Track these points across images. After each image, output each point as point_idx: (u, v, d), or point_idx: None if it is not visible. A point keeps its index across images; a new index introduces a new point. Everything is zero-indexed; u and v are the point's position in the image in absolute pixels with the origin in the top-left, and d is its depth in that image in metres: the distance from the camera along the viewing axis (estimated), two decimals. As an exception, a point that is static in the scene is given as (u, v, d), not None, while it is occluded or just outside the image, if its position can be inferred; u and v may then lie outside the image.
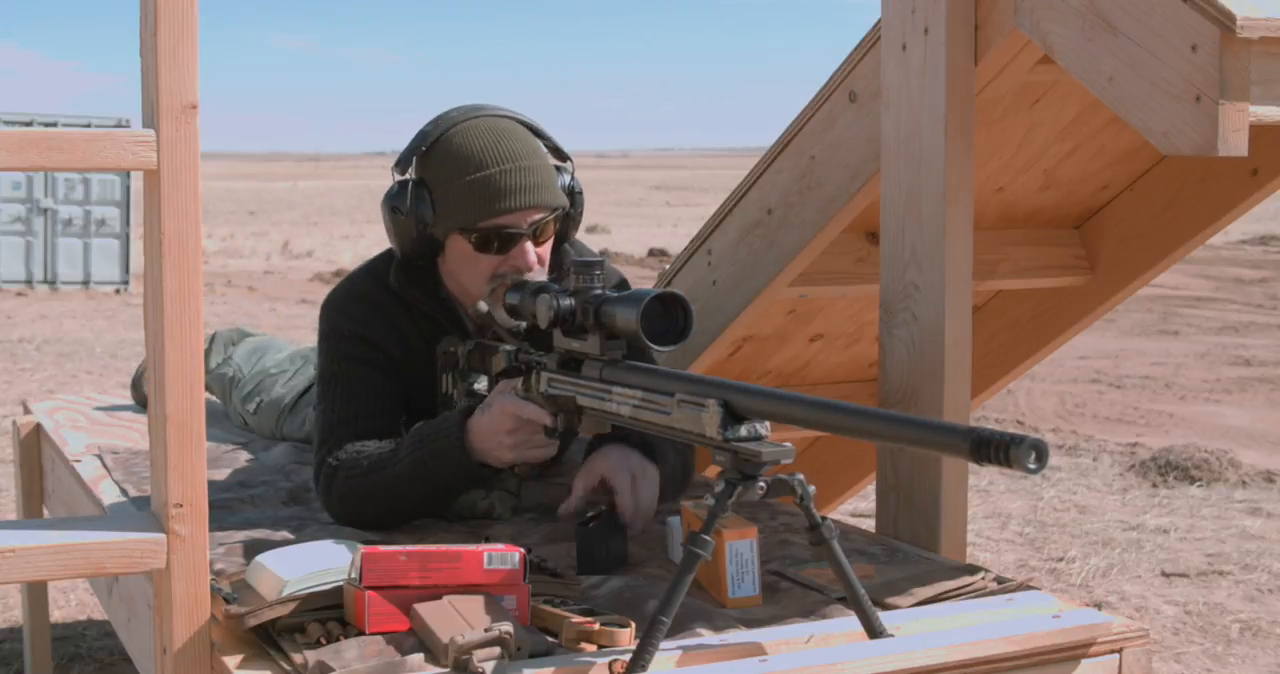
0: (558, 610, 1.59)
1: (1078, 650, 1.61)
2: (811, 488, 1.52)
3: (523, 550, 1.60)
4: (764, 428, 1.50)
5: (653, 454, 2.04)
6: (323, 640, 1.54)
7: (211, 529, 1.62)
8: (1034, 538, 4.74)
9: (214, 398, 3.12)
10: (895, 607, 1.70)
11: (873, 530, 2.18)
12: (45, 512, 3.02)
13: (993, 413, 7.06)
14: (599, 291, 1.76)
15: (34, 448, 3.06)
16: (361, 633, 1.54)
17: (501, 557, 1.58)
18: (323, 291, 13.46)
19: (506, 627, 1.46)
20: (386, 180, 2.13)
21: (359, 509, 2.03)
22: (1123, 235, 2.71)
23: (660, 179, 57.46)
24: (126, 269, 13.49)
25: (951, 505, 2.05)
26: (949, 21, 1.99)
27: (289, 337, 9.58)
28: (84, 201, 13.31)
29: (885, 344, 2.15)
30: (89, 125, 12.50)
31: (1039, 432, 6.68)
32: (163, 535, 1.55)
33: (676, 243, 18.09)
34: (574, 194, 2.13)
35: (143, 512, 1.71)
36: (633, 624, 1.54)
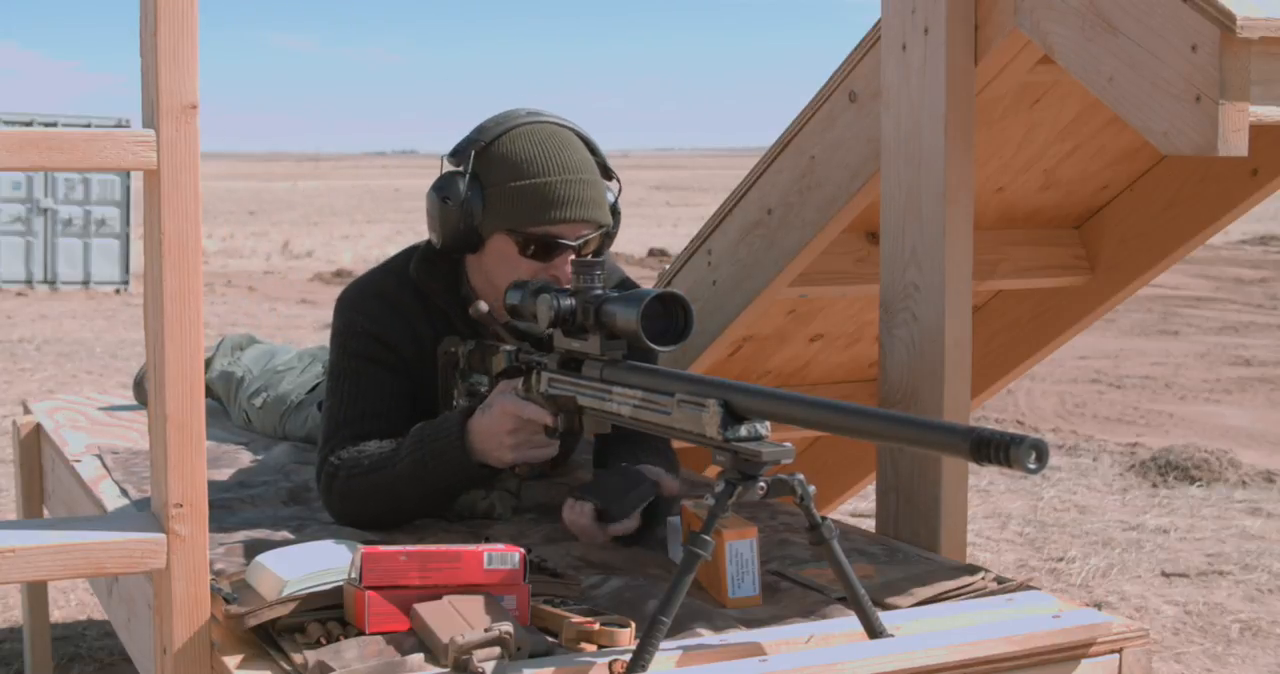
0: (558, 610, 1.59)
1: (1078, 650, 1.61)
2: (811, 488, 1.52)
3: (523, 550, 1.60)
4: (764, 428, 1.50)
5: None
6: (323, 640, 1.54)
7: (211, 529, 1.62)
8: (1034, 538, 4.74)
9: (214, 401, 3.12)
10: (895, 607, 1.70)
11: (873, 530, 2.18)
12: (45, 512, 3.02)
13: (993, 413, 7.06)
14: (599, 291, 1.76)
15: (34, 448, 3.06)
16: (361, 633, 1.54)
17: (501, 557, 1.58)
18: (323, 291, 13.47)
19: (506, 627, 1.46)
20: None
21: (359, 508, 2.03)
22: (1123, 235, 2.71)
23: (660, 179, 57.47)
24: (126, 269, 13.50)
25: (951, 505, 2.05)
26: (949, 21, 1.99)
27: (289, 337, 9.59)
28: (84, 201, 13.32)
29: (885, 344, 2.15)
30: (89, 125, 12.50)
31: (1039, 432, 6.68)
32: (163, 535, 1.55)
33: (676, 243, 18.09)
34: (615, 214, 2.13)
35: (143, 512, 1.71)
36: (633, 624, 1.54)
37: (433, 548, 1.58)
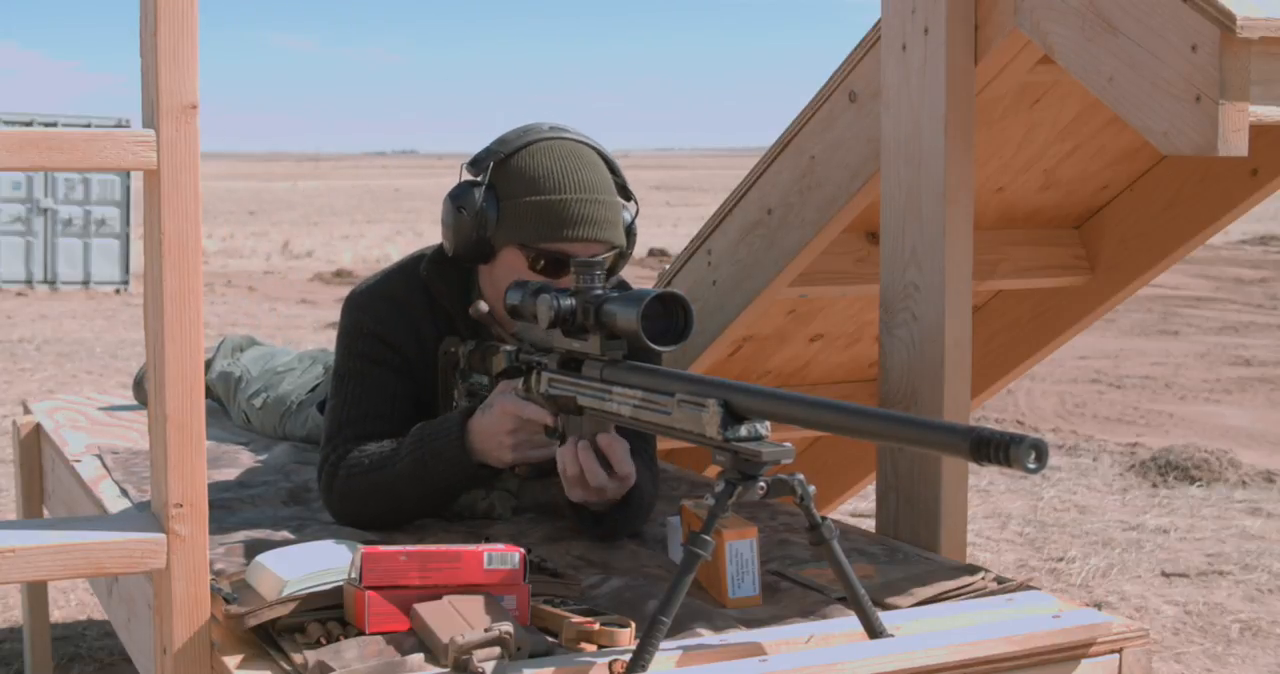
0: (558, 610, 1.59)
1: (1078, 650, 1.61)
2: (811, 488, 1.52)
3: (523, 550, 1.60)
4: (764, 428, 1.50)
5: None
6: (323, 640, 1.54)
7: (211, 529, 1.62)
8: (1034, 538, 4.74)
9: (214, 402, 3.12)
10: (895, 607, 1.70)
11: (873, 530, 2.18)
12: (45, 512, 3.02)
13: (993, 413, 7.06)
14: (599, 291, 1.76)
15: (34, 448, 3.06)
16: (361, 633, 1.54)
17: (501, 557, 1.58)
18: (323, 291, 13.47)
19: (506, 627, 1.46)
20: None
21: (359, 508, 2.03)
22: (1123, 235, 2.71)
23: (660, 179, 57.46)
24: (126, 269, 13.50)
25: (951, 505, 2.05)
26: (949, 21, 1.99)
27: (289, 337, 9.59)
28: (84, 201, 13.32)
29: (885, 344, 2.15)
30: (89, 125, 12.50)
31: (1039, 431, 6.68)
32: (163, 535, 1.55)
33: (676, 243, 18.09)
34: (630, 234, 2.13)
35: (143, 512, 1.71)
36: (633, 624, 1.54)
37: (433, 548, 1.58)
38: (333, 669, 1.45)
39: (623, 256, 2.12)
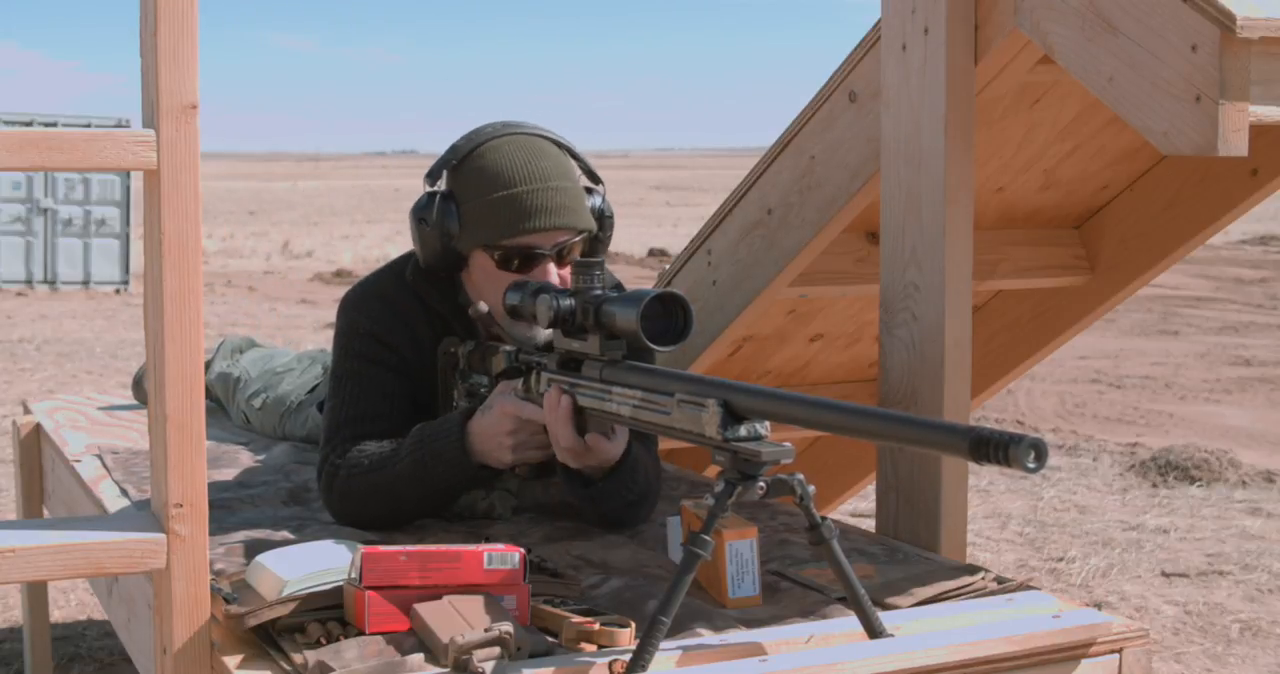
0: (558, 610, 1.59)
1: (1078, 650, 1.61)
2: (811, 488, 1.52)
3: (523, 550, 1.60)
4: (764, 428, 1.50)
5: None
6: (323, 640, 1.54)
7: (211, 529, 1.62)
8: (1034, 538, 4.74)
9: (213, 402, 3.12)
10: (895, 607, 1.70)
11: (873, 530, 2.18)
12: (45, 512, 3.02)
13: (993, 413, 7.06)
14: (599, 292, 1.76)
15: (34, 448, 3.06)
16: (361, 633, 1.54)
17: (501, 557, 1.58)
18: (323, 291, 13.47)
19: (506, 627, 1.46)
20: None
21: (359, 509, 2.03)
22: (1123, 235, 2.71)
23: (660, 179, 57.46)
24: (126, 269, 13.50)
25: (951, 505, 2.05)
26: (949, 21, 1.99)
27: (288, 337, 9.59)
28: (84, 201, 13.32)
29: (885, 344, 2.15)
30: (89, 125, 12.50)
31: (1039, 431, 6.68)
32: (163, 535, 1.55)
33: (676, 243, 18.09)
34: (604, 217, 2.12)
35: (143, 512, 1.71)
36: (633, 624, 1.54)
37: (433, 548, 1.58)
38: (333, 669, 1.45)
39: (598, 240, 2.11)
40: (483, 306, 2.00)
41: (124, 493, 2.34)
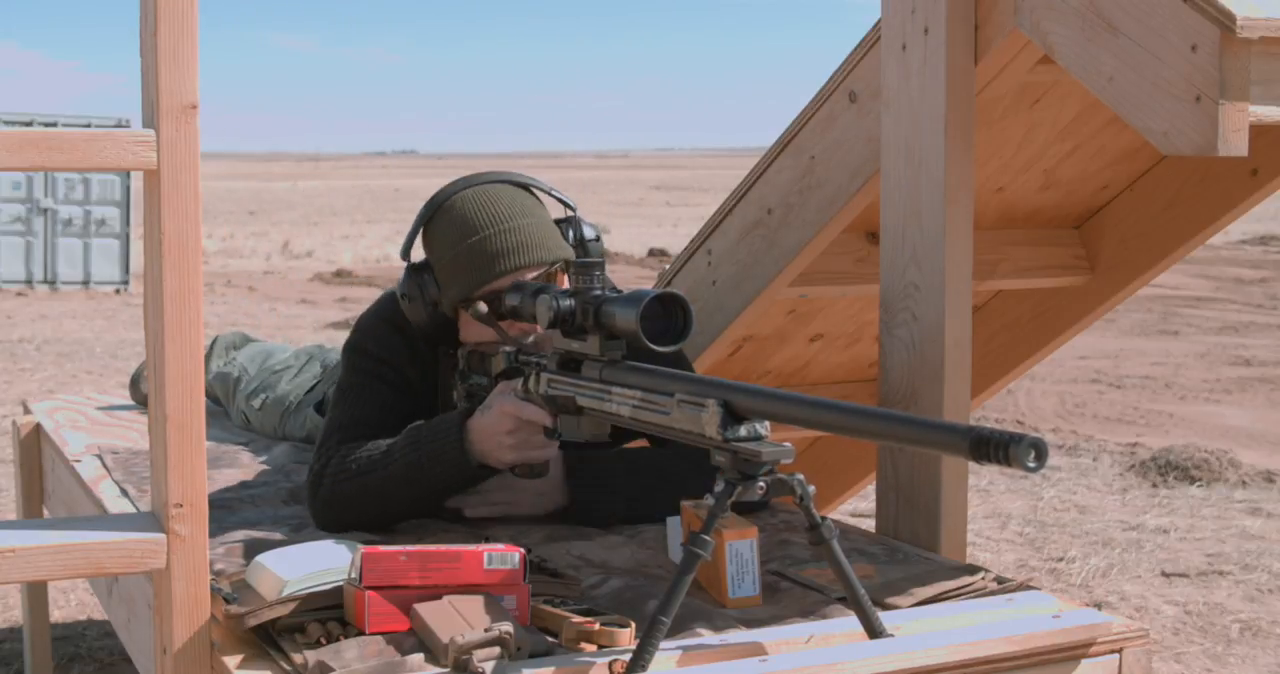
0: (558, 610, 1.59)
1: (1078, 650, 1.61)
2: (811, 488, 1.52)
3: (523, 550, 1.60)
4: (764, 428, 1.49)
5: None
6: (323, 640, 1.54)
7: (211, 529, 1.62)
8: (1034, 538, 4.74)
9: (212, 402, 3.12)
10: (895, 607, 1.70)
11: (873, 530, 2.18)
12: (45, 512, 3.02)
13: (993, 413, 7.06)
14: (599, 292, 1.76)
15: (34, 448, 3.06)
16: (361, 633, 1.54)
17: (501, 557, 1.58)
18: (323, 291, 13.47)
19: (506, 627, 1.46)
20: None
21: (343, 513, 2.01)
22: (1123, 235, 2.71)
23: (660, 179, 57.45)
24: (126, 269, 13.50)
25: (951, 505, 2.05)
26: (949, 21, 1.99)
27: (288, 337, 9.59)
28: (84, 201, 13.32)
29: (885, 344, 2.15)
30: (89, 125, 12.50)
31: (1039, 431, 6.69)
32: (163, 535, 1.55)
33: (676, 243, 18.09)
34: (585, 242, 2.12)
35: (143, 512, 1.71)
36: (633, 624, 1.54)
37: (433, 548, 1.58)
38: (333, 669, 1.45)
39: (582, 262, 2.12)
40: (482, 308, 2.01)
41: (124, 493, 2.34)
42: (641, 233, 22.44)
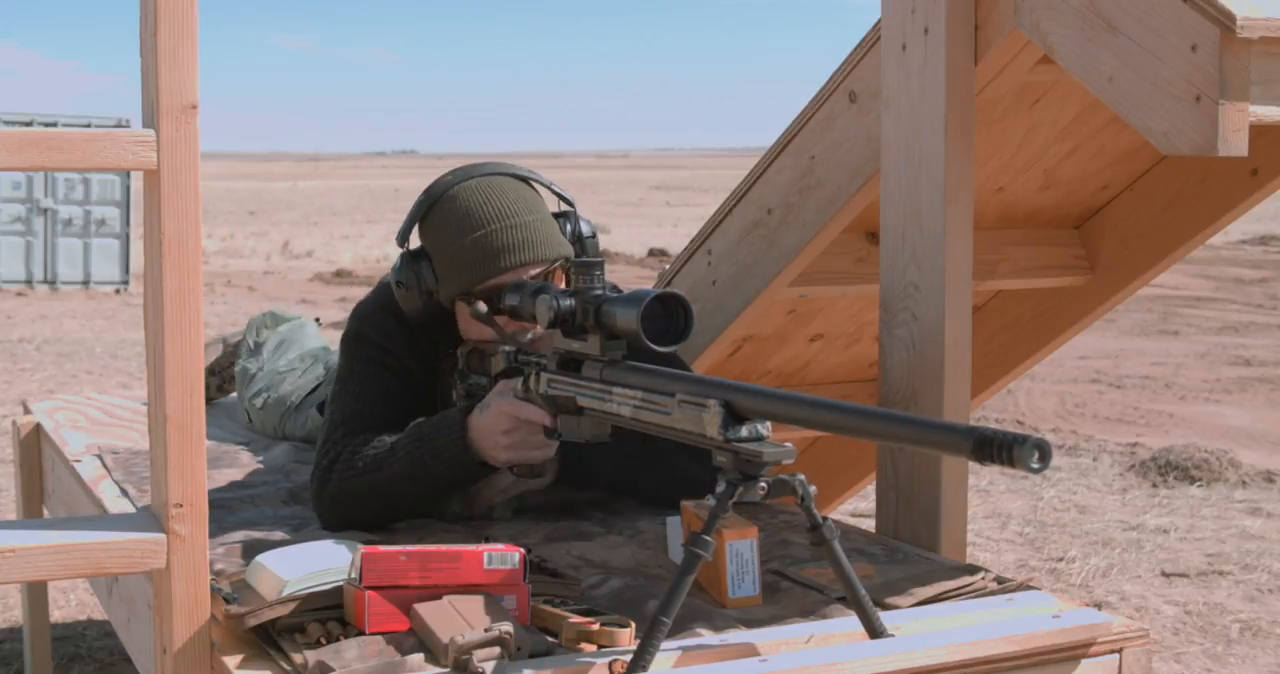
0: (558, 610, 1.59)
1: (1078, 650, 1.61)
2: (813, 488, 1.51)
3: (523, 550, 1.60)
4: (765, 428, 1.49)
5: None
6: (323, 640, 1.54)
7: (211, 529, 1.62)
8: (1034, 538, 4.74)
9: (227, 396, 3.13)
10: (895, 607, 1.70)
11: (873, 530, 2.18)
12: (45, 512, 3.02)
13: (993, 413, 7.06)
14: (599, 292, 1.75)
15: (34, 448, 3.06)
16: (361, 633, 1.54)
17: (501, 557, 1.58)
18: (323, 291, 13.47)
19: (506, 627, 1.46)
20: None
21: (350, 511, 2.01)
22: (1123, 235, 2.71)
23: (660, 179, 57.45)
24: (126, 269, 13.50)
25: (951, 505, 2.05)
26: (949, 21, 1.99)
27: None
28: (84, 201, 13.32)
29: (885, 344, 2.15)
30: (89, 125, 12.50)
31: (1039, 431, 6.69)
32: (163, 535, 1.55)
33: (676, 243, 18.09)
34: (582, 239, 2.12)
35: (143, 512, 1.71)
36: (633, 624, 1.54)
37: (433, 548, 1.58)
38: (333, 669, 1.45)
39: (583, 262, 2.12)
40: (481, 307, 2.01)
41: (124, 493, 2.34)
42: (641, 233, 22.45)
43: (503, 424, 1.92)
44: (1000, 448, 1.24)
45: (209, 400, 3.20)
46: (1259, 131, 1.61)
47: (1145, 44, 1.68)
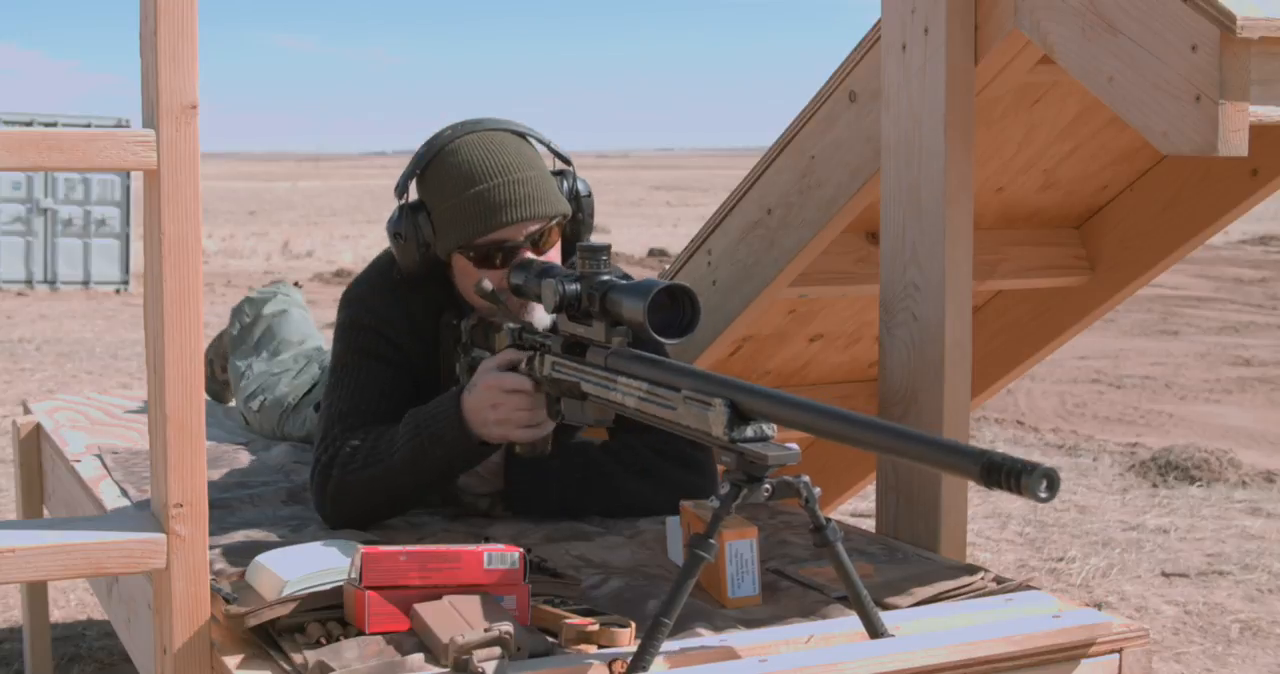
0: (558, 610, 1.59)
1: (1078, 650, 1.61)
2: (817, 490, 1.51)
3: (523, 550, 1.60)
4: (770, 429, 1.47)
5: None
6: (323, 640, 1.53)
7: (211, 529, 1.62)
8: (1034, 538, 4.74)
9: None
10: (895, 607, 1.70)
11: (873, 530, 2.18)
12: (45, 512, 3.02)
13: (993, 413, 7.06)
14: (606, 277, 1.74)
15: (34, 448, 3.06)
16: (361, 633, 1.54)
17: (501, 557, 1.58)
18: (323, 291, 13.47)
19: (506, 627, 1.46)
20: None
21: (354, 507, 2.01)
22: (1123, 235, 2.71)
23: (660, 179, 57.45)
24: (126, 269, 13.49)
25: (951, 505, 2.05)
26: (949, 21, 1.99)
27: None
28: (84, 201, 13.32)
29: (885, 344, 2.15)
30: (89, 125, 12.50)
31: (1039, 431, 6.69)
32: (163, 535, 1.55)
33: (676, 243, 18.09)
34: (579, 198, 2.11)
35: (143, 512, 1.71)
36: (633, 624, 1.54)
37: (433, 548, 1.58)
38: (333, 669, 1.45)
39: (578, 221, 2.11)
40: (486, 285, 1.99)
41: (124, 493, 2.34)
42: (641, 233, 22.44)
43: (489, 398, 1.91)
44: (1008, 475, 1.21)
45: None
46: (1259, 131, 1.61)
47: (1145, 44, 1.68)
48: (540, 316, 2.00)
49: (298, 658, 1.51)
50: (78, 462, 2.61)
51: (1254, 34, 1.56)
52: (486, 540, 1.85)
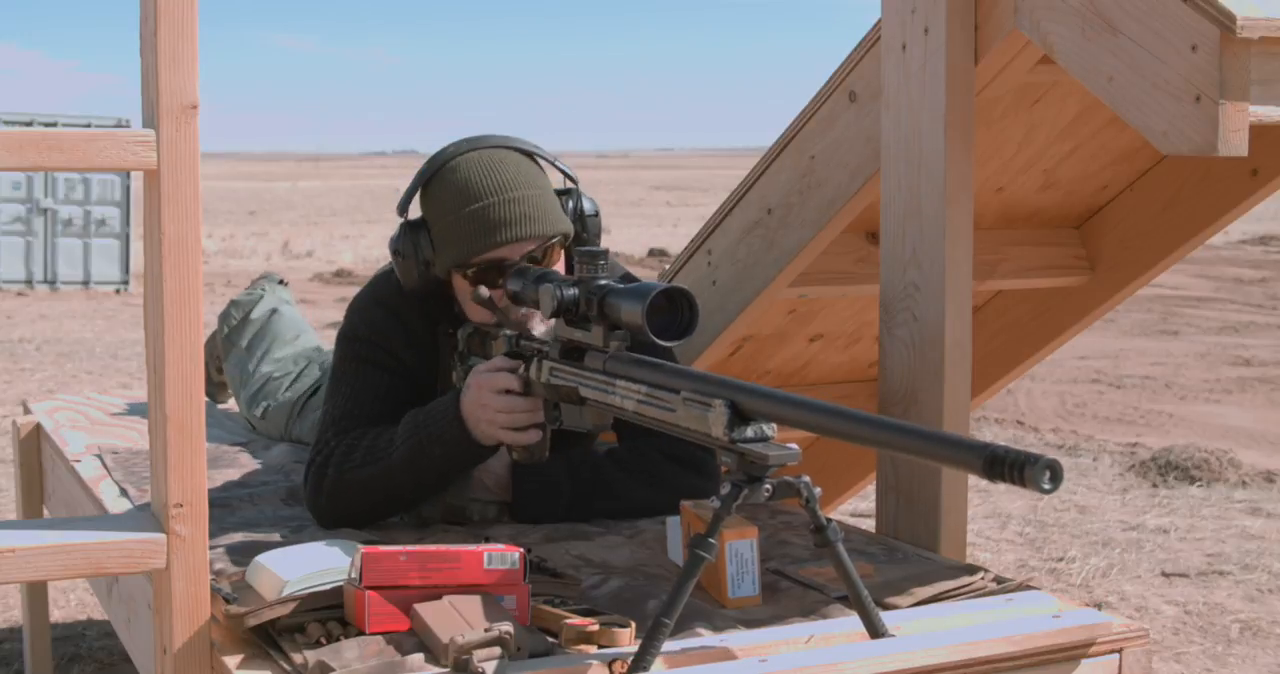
0: (558, 610, 1.59)
1: (1078, 650, 1.61)
2: (818, 490, 1.51)
3: (523, 550, 1.60)
4: (771, 429, 1.46)
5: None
6: (323, 640, 1.53)
7: (211, 529, 1.62)
8: (1034, 538, 4.74)
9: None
10: (895, 607, 1.70)
11: (873, 530, 2.18)
12: (45, 512, 3.02)
13: (993, 413, 7.06)
14: (603, 282, 1.74)
15: (34, 448, 3.06)
16: (361, 633, 1.54)
17: (501, 557, 1.58)
18: (323, 291, 13.47)
19: (506, 627, 1.46)
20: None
21: (348, 506, 2.01)
22: (1123, 235, 2.71)
23: (660, 179, 57.44)
24: (126, 269, 13.49)
25: (951, 505, 2.05)
26: (949, 21, 1.99)
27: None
28: (84, 201, 13.32)
29: (885, 344, 2.15)
30: (89, 125, 12.50)
31: (1039, 431, 6.69)
32: (163, 535, 1.55)
33: (676, 243, 18.09)
34: (584, 217, 2.11)
35: (143, 512, 1.71)
36: (633, 624, 1.54)
37: (433, 548, 1.58)
38: (333, 669, 1.45)
39: (582, 242, 2.10)
40: (484, 292, 1.99)
41: (124, 493, 2.34)
42: (641, 233, 22.45)
43: (478, 397, 1.91)
44: (1012, 467, 1.21)
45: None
46: (1259, 131, 1.61)
47: (1145, 44, 1.68)
48: (540, 326, 1.99)
49: (298, 658, 1.51)
50: (78, 462, 2.61)
51: (1254, 34, 1.56)
52: (486, 540, 1.85)
